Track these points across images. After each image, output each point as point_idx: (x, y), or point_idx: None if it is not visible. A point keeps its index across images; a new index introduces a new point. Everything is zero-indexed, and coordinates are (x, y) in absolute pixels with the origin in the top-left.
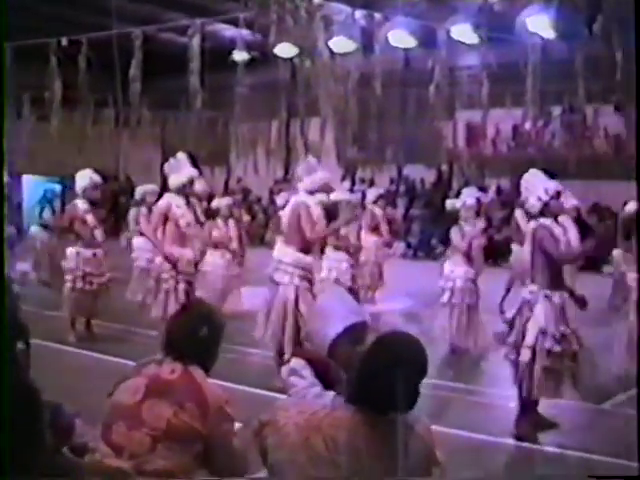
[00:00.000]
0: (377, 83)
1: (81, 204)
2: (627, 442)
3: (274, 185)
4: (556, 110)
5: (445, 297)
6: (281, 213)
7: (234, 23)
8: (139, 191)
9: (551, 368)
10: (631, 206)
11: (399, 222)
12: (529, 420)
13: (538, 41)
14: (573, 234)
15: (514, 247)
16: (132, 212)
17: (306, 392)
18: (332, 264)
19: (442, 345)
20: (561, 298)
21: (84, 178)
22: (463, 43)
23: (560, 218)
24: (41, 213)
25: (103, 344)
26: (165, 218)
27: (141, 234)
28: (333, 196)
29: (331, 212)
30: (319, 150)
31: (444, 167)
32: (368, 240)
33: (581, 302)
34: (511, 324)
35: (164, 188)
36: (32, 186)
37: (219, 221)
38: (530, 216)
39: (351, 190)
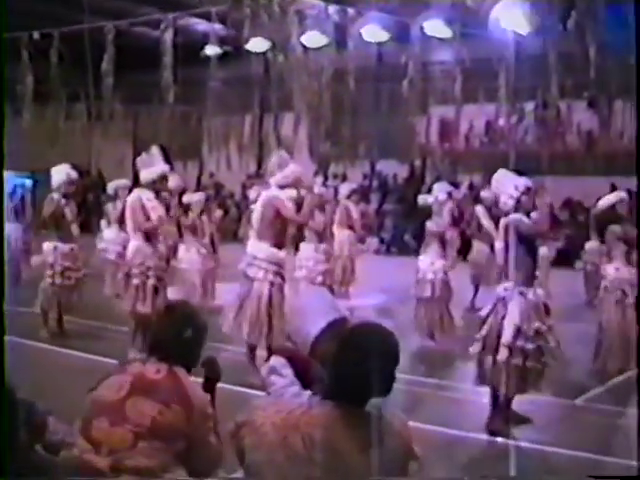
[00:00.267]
0: (350, 78)
1: (58, 199)
2: (600, 437)
3: (247, 180)
4: (529, 106)
5: (417, 291)
6: (252, 207)
7: (207, 17)
8: (111, 186)
9: (525, 366)
10: (604, 201)
11: (372, 217)
12: (502, 415)
13: (511, 37)
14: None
15: (475, 243)
16: (109, 207)
17: (284, 391)
18: (304, 260)
19: (415, 340)
20: (535, 294)
21: (60, 173)
22: (436, 38)
23: (532, 214)
24: (14, 208)
25: (75, 340)
26: (141, 211)
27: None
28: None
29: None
30: (292, 145)
31: (417, 162)
32: (341, 235)
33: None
34: (484, 322)
35: (136, 182)
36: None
37: (192, 216)
38: (504, 214)
39: (324, 185)
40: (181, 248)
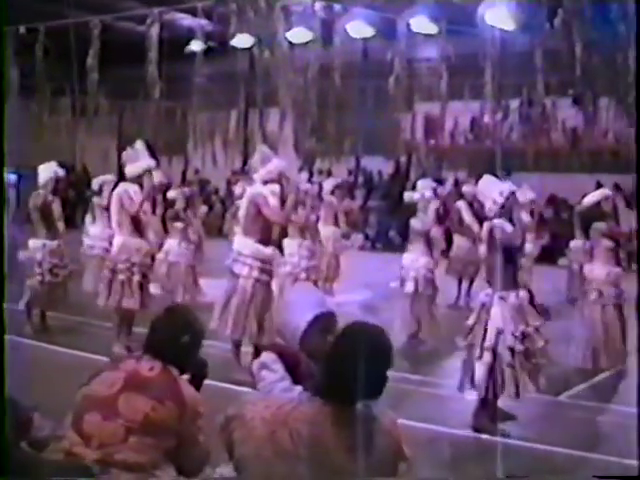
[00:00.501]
0: (336, 74)
1: (45, 195)
2: (584, 434)
3: (232, 176)
4: (514, 103)
5: (401, 287)
6: (238, 203)
7: (193, 13)
8: (96, 181)
9: (517, 366)
10: (589, 199)
11: (357, 213)
12: (487, 412)
13: (497, 34)
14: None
15: (456, 238)
16: (94, 202)
17: (274, 386)
18: (288, 256)
19: (400, 336)
20: (517, 298)
21: (47, 171)
22: (422, 35)
23: (515, 214)
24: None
25: (59, 336)
26: (121, 205)
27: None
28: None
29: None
30: (277, 141)
31: (402, 159)
32: (325, 231)
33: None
34: (470, 329)
35: (121, 178)
36: None
37: (177, 212)
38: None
39: (309, 181)
40: (166, 243)
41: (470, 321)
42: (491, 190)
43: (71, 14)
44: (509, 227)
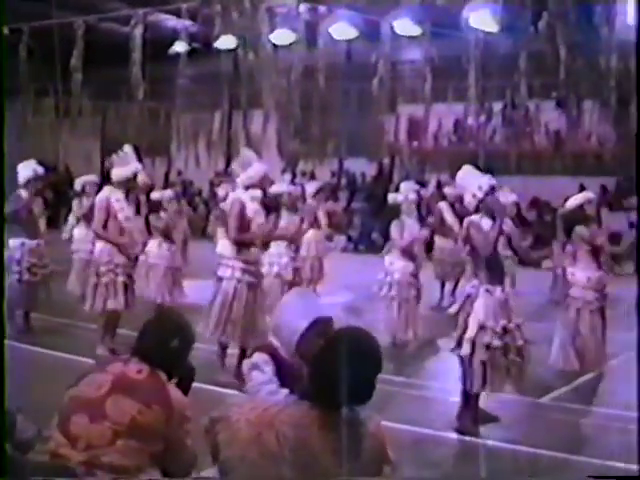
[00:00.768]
0: (320, 76)
1: (25, 194)
2: (566, 436)
3: (215, 177)
4: (498, 106)
5: (384, 290)
6: (222, 205)
7: (177, 14)
8: (79, 182)
9: (491, 362)
10: (572, 202)
11: (340, 215)
12: (471, 414)
13: (481, 37)
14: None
15: (438, 240)
16: (75, 203)
17: (261, 388)
18: (273, 258)
19: (383, 338)
20: (503, 292)
21: (27, 169)
22: (406, 37)
23: (495, 213)
24: None
25: (42, 337)
26: (107, 213)
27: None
28: (274, 188)
29: (271, 206)
30: (261, 142)
31: (386, 161)
32: (309, 234)
33: None
34: (455, 319)
35: (104, 179)
36: None
37: (161, 214)
38: (468, 213)
39: (292, 183)
40: (150, 244)
41: (453, 309)
42: (470, 183)
43: (55, 15)
44: (487, 223)
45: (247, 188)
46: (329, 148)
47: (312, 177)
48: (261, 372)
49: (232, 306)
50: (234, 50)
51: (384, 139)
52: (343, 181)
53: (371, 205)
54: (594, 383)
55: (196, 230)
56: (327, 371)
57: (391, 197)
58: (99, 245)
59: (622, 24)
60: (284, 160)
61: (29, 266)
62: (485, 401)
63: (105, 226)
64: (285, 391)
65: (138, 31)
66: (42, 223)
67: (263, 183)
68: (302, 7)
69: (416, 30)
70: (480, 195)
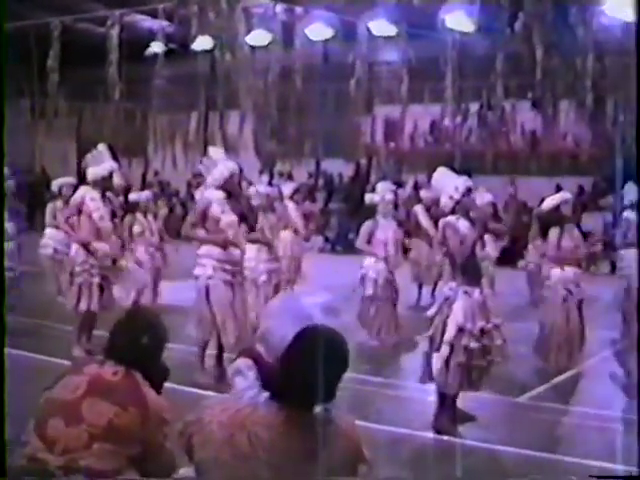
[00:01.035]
0: (297, 77)
1: None
2: (544, 435)
3: (192, 178)
4: (474, 106)
5: (361, 290)
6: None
7: (153, 14)
8: (56, 183)
9: (469, 364)
10: (548, 202)
11: (317, 216)
12: (448, 414)
13: (458, 37)
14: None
15: (414, 242)
16: (49, 205)
17: (244, 393)
18: (247, 259)
19: (361, 338)
20: (481, 294)
21: None
22: (383, 38)
23: (472, 214)
24: None
25: (17, 339)
26: (79, 211)
27: (56, 227)
28: (251, 189)
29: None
30: (237, 143)
31: (362, 162)
32: (285, 234)
33: None
34: (431, 321)
35: (81, 180)
36: None
37: (139, 215)
38: (443, 215)
39: (269, 184)
40: (128, 246)
41: (431, 312)
42: (446, 184)
43: (31, 15)
44: (464, 225)
45: (217, 188)
46: (306, 149)
47: (289, 178)
48: (244, 378)
49: (206, 303)
50: (211, 51)
51: (361, 140)
52: (320, 182)
53: (348, 206)
54: (572, 382)
55: (173, 231)
56: (294, 370)
57: (368, 197)
58: (74, 245)
59: (598, 25)
60: (261, 161)
61: None
62: (463, 401)
63: (80, 226)
64: (266, 394)
65: (114, 32)
66: (12, 225)
67: (227, 184)
68: (279, 8)
69: (392, 30)
70: (457, 196)
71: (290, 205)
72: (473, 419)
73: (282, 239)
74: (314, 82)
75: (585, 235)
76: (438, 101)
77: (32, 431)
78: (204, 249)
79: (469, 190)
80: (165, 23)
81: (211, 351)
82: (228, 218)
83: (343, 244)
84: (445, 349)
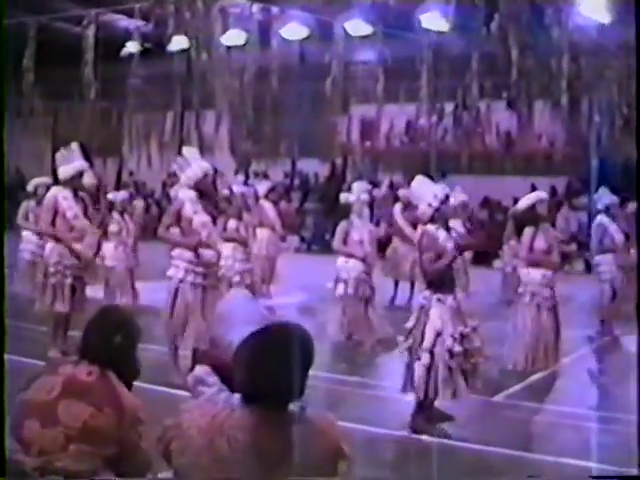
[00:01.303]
0: (273, 77)
1: None
2: (521, 434)
3: (167, 178)
4: (449, 106)
5: (337, 290)
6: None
7: (129, 14)
8: (32, 183)
9: (455, 368)
10: (523, 202)
11: (293, 216)
12: (425, 413)
13: (434, 38)
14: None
15: (393, 240)
16: (22, 205)
17: (216, 399)
18: (222, 259)
19: (336, 338)
20: (455, 300)
21: None
22: (359, 38)
23: (451, 222)
24: None
25: None
26: (54, 211)
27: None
28: (226, 189)
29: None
30: (213, 143)
31: (338, 161)
32: (260, 234)
33: None
34: (410, 331)
35: (56, 180)
36: None
37: (115, 214)
38: (422, 222)
39: (245, 184)
40: (104, 246)
41: (409, 324)
42: (425, 193)
43: (6, 14)
44: (443, 234)
45: (190, 188)
46: (282, 149)
47: (265, 178)
48: (206, 386)
49: (174, 306)
50: (187, 50)
51: (337, 139)
52: (296, 181)
53: (324, 205)
54: (547, 381)
55: (148, 231)
56: (266, 370)
57: (343, 197)
58: (49, 245)
59: (573, 25)
60: (237, 161)
61: None
62: (440, 400)
63: (54, 225)
64: (237, 396)
65: (90, 31)
66: None
67: (201, 184)
68: (255, 8)
69: (368, 30)
70: (436, 204)
71: (266, 204)
72: (450, 419)
73: (258, 238)
74: (290, 82)
75: (560, 236)
76: (414, 101)
77: (8, 433)
78: (177, 251)
79: (447, 197)
80: (141, 23)
81: (185, 351)
82: (201, 218)
83: (319, 244)
84: (426, 357)
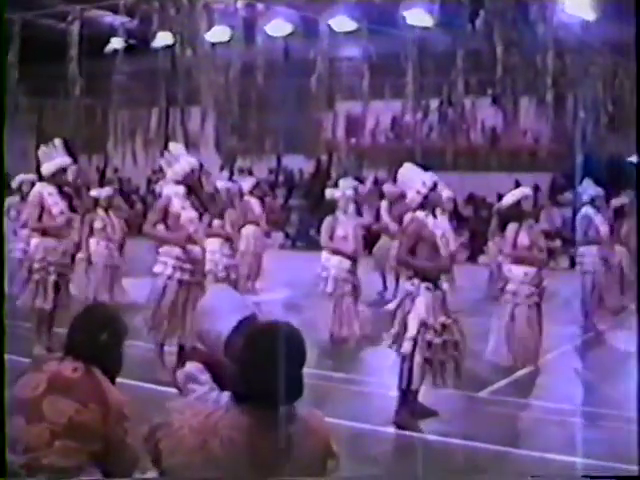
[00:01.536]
0: (258, 73)
1: None
2: (505, 429)
3: (152, 175)
4: (434, 102)
5: (322, 286)
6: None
7: (114, 10)
8: (17, 180)
9: (432, 359)
10: (508, 198)
11: (278, 212)
12: (409, 409)
13: (419, 34)
14: (447, 229)
15: (383, 236)
16: (8, 202)
17: (206, 398)
18: (209, 254)
19: (322, 334)
20: (442, 290)
21: None
22: (344, 34)
23: (437, 212)
24: None
25: None
26: (40, 207)
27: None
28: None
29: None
30: (198, 139)
31: (323, 158)
32: (246, 230)
33: None
34: (393, 315)
35: (41, 177)
36: None
37: (100, 211)
38: (411, 210)
39: (230, 180)
40: (89, 243)
41: (391, 306)
42: (413, 179)
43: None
44: (431, 220)
45: (177, 183)
46: (267, 145)
47: (250, 174)
48: (198, 383)
49: (160, 303)
50: (171, 47)
51: (322, 136)
52: (281, 178)
53: (309, 202)
54: (532, 377)
55: (133, 228)
56: (251, 371)
57: (329, 193)
58: (34, 241)
59: (558, 22)
60: (222, 157)
61: None
62: (424, 395)
63: (40, 221)
64: (227, 394)
65: (75, 27)
66: None
67: (188, 179)
68: (239, 4)
69: (353, 26)
70: (424, 191)
71: (252, 200)
72: (435, 414)
73: (244, 235)
74: (275, 78)
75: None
76: (399, 97)
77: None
78: (165, 247)
79: (435, 185)
80: (126, 19)
81: (170, 348)
82: (188, 214)
83: (304, 240)
84: (407, 345)
